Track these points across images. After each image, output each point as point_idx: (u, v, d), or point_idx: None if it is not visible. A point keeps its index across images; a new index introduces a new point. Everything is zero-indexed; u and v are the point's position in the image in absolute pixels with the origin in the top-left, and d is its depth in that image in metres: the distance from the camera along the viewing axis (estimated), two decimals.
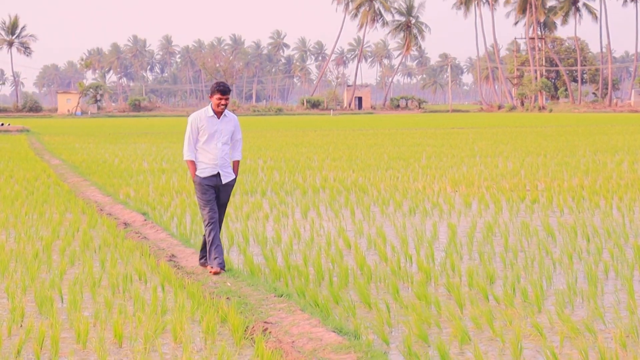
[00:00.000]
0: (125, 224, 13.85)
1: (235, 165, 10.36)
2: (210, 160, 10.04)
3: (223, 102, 10.01)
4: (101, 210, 15.78)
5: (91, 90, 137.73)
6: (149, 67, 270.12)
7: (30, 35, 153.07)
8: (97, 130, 63.35)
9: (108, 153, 33.95)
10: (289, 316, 7.63)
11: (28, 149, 38.11)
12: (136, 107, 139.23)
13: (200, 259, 10.25)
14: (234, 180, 10.26)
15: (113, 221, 14.17)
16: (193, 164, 10.12)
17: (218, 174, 10.06)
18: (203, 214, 10.05)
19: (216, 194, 10.12)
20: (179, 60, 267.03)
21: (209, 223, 9.97)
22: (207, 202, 10.00)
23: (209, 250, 9.91)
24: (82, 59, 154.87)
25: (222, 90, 10.01)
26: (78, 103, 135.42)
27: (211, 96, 10.05)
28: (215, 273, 9.69)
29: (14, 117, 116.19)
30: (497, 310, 8.13)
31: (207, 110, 10.10)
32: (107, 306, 8.45)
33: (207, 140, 10.03)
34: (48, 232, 13.46)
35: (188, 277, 9.66)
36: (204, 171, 10.04)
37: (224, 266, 9.83)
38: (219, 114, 10.06)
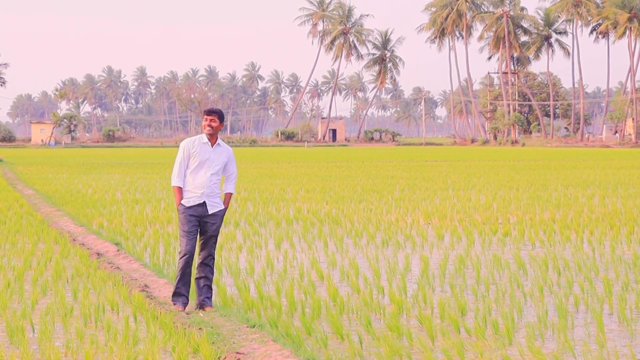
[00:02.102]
0: (98, 254, 13.81)
1: (227, 198, 9.89)
2: (197, 189, 9.61)
3: (208, 122, 9.60)
4: (74, 240, 15.72)
5: (65, 120, 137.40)
6: (123, 97, 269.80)
7: (4, 64, 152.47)
8: (70, 160, 63.13)
9: (81, 183, 33.83)
10: (261, 347, 7.64)
11: (1, 178, 37.91)
12: (110, 138, 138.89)
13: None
14: (223, 211, 9.79)
15: (86, 251, 14.12)
16: (180, 191, 9.68)
17: (204, 204, 9.64)
18: (180, 245, 9.63)
19: (202, 225, 9.68)
20: (153, 91, 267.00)
21: (183, 256, 9.56)
22: (187, 233, 9.58)
23: (175, 285, 9.57)
24: (56, 90, 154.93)
25: (207, 110, 9.67)
26: (52, 133, 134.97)
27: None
28: (182, 310, 9.40)
29: None
30: (468, 342, 8.18)
31: (202, 137, 9.72)
32: (78, 336, 8.42)
33: (197, 168, 9.62)
34: (20, 262, 13.40)
35: (160, 307, 9.63)
36: (189, 200, 9.62)
37: (186, 305, 9.52)
38: (212, 141, 9.69)
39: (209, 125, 9.62)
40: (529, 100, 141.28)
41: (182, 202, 9.65)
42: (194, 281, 9.72)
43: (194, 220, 9.61)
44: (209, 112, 9.67)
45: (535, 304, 10.07)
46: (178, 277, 9.55)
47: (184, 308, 9.46)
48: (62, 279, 11.87)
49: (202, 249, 9.71)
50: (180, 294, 9.54)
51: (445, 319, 9.16)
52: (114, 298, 10.10)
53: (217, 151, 9.72)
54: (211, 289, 9.68)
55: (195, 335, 8.08)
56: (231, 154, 9.88)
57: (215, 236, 9.72)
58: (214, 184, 9.69)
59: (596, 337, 8.30)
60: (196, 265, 9.76)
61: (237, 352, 7.50)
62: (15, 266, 12.86)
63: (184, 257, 9.54)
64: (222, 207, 9.78)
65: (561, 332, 8.54)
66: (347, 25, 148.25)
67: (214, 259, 9.76)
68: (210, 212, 9.65)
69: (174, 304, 9.52)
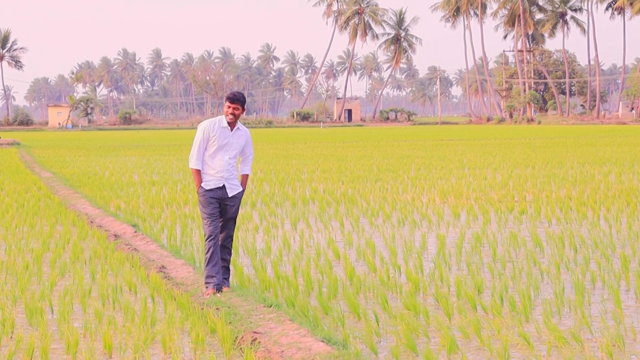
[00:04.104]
0: (115, 235, 13.88)
1: (244, 179, 9.89)
2: (216, 173, 9.55)
3: (231, 110, 9.47)
4: (91, 222, 15.80)
5: (82, 103, 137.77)
6: (139, 80, 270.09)
7: (21, 48, 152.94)
8: (87, 143, 63.32)
9: (99, 166, 33.95)
10: (278, 326, 7.67)
11: (18, 161, 38.07)
12: (127, 120, 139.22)
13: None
14: (241, 192, 9.77)
15: (103, 233, 14.20)
16: (199, 174, 9.61)
17: (223, 187, 9.59)
18: (204, 228, 9.55)
19: (222, 207, 9.63)
20: (169, 73, 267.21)
21: (208, 238, 9.47)
22: (210, 216, 9.51)
23: (206, 268, 9.41)
24: (72, 73, 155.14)
25: (231, 98, 9.50)
26: (69, 116, 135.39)
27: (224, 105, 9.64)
28: (212, 293, 9.22)
29: (5, 130, 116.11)
30: (485, 320, 8.19)
31: (222, 120, 9.59)
32: (97, 317, 8.48)
33: (215, 152, 9.55)
34: (38, 244, 13.48)
35: (178, 288, 9.69)
36: (208, 183, 9.57)
37: (221, 287, 9.32)
38: (232, 125, 9.60)
39: (232, 114, 9.50)
40: (545, 78, 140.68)
41: (202, 184, 9.59)
42: None
43: (215, 202, 9.56)
44: (233, 101, 9.49)
45: (552, 281, 10.07)
46: (207, 260, 9.40)
47: (218, 290, 9.29)
48: (80, 261, 11.94)
49: (221, 231, 9.67)
50: (211, 276, 9.38)
51: (462, 297, 9.17)
52: (131, 279, 10.16)
53: (236, 135, 9.63)
54: (229, 270, 9.70)
55: (213, 315, 8.12)
56: (249, 137, 9.82)
57: (234, 218, 9.70)
58: (232, 166, 9.65)
59: (613, 313, 8.29)
60: None
61: (254, 332, 7.53)
62: (34, 248, 12.94)
63: (211, 239, 9.45)
64: (241, 189, 9.75)
65: (578, 309, 8.55)
66: (362, 5, 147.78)
67: (232, 240, 9.76)
68: (229, 195, 9.61)
69: (207, 288, 9.36)
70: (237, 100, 9.51)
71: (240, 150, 9.72)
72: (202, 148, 9.60)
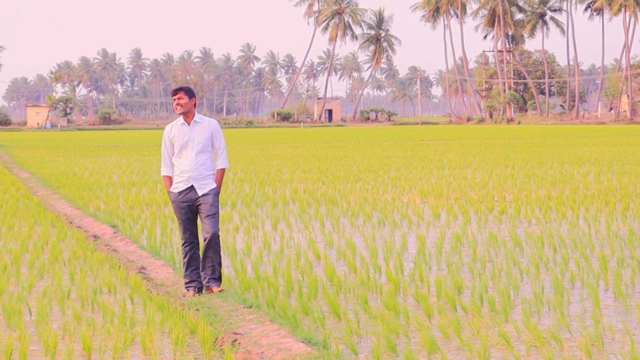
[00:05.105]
0: (94, 236, 13.83)
1: (219, 174, 9.60)
2: (182, 173, 9.40)
3: (176, 102, 9.34)
4: (71, 223, 15.73)
5: (61, 103, 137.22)
6: (119, 80, 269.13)
7: (0, 47, 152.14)
8: (66, 143, 63.04)
9: (78, 166, 33.81)
10: (259, 327, 7.66)
11: None
12: (106, 120, 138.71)
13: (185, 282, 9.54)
14: (215, 189, 9.48)
15: (82, 234, 14.14)
16: (169, 180, 9.55)
17: (192, 187, 9.41)
18: (180, 233, 9.52)
19: (196, 208, 9.46)
20: (149, 73, 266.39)
21: (183, 244, 9.45)
22: (183, 222, 9.42)
23: (185, 273, 9.40)
24: (51, 72, 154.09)
25: (173, 90, 9.43)
26: (48, 116, 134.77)
27: None
28: (192, 295, 9.23)
29: None
30: (465, 320, 8.20)
31: (179, 120, 9.49)
32: (76, 319, 8.44)
33: (180, 152, 9.40)
34: (17, 245, 13.41)
35: (157, 289, 9.65)
36: (177, 186, 9.43)
37: (202, 291, 9.32)
38: (187, 119, 9.44)
39: (178, 104, 9.36)
40: (525, 78, 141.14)
41: (171, 189, 9.48)
42: (201, 263, 9.52)
43: (186, 207, 9.40)
44: (175, 92, 9.40)
45: (532, 280, 10.09)
46: (185, 265, 9.41)
47: (199, 292, 9.28)
48: (59, 262, 11.88)
49: (203, 230, 9.51)
50: (191, 280, 9.38)
51: (442, 297, 9.18)
52: (111, 280, 10.12)
53: (195, 129, 9.43)
54: (216, 270, 9.46)
55: (193, 316, 8.10)
56: (215, 128, 9.54)
57: (211, 215, 9.41)
58: (202, 164, 9.42)
59: (592, 312, 8.33)
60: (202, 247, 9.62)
61: (234, 333, 7.52)
62: (12, 249, 12.87)
63: (185, 246, 9.44)
64: (212, 186, 9.47)
65: (557, 309, 8.57)
66: (342, 5, 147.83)
67: (217, 237, 9.44)
68: (200, 194, 9.40)
69: (187, 291, 9.34)
70: (179, 90, 9.39)
71: (208, 144, 9.45)
72: (168, 153, 9.54)
